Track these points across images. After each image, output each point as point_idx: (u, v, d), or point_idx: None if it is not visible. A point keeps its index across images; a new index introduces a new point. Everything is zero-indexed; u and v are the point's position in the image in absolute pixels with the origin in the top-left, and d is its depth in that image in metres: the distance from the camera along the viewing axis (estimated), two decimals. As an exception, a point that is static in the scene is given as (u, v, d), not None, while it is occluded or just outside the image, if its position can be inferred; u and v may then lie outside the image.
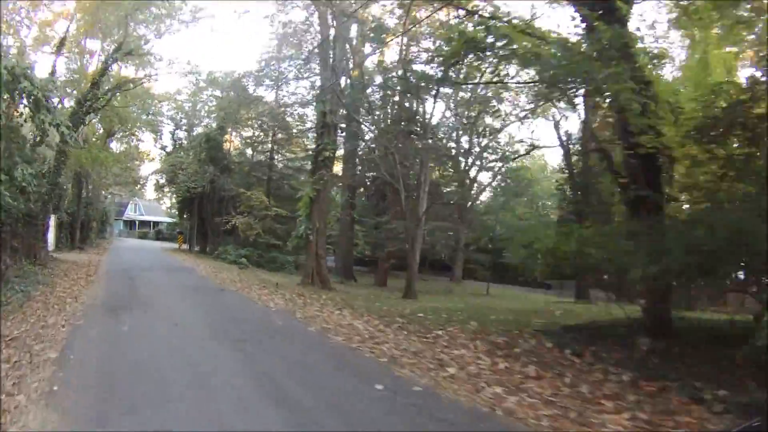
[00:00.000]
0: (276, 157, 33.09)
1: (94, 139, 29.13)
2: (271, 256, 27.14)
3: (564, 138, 23.32)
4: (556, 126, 23.34)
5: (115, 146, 43.92)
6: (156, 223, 60.38)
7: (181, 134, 34.48)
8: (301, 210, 16.58)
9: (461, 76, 11.02)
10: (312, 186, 15.83)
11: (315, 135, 17.86)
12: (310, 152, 37.71)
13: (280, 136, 32.66)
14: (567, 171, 23.22)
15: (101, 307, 8.47)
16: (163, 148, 34.91)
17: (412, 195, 17.86)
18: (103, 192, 45.29)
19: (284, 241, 28.25)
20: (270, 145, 32.39)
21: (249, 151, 34.22)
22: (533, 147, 22.32)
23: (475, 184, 28.17)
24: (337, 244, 27.59)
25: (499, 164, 24.33)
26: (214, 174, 28.49)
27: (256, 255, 26.28)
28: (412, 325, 8.32)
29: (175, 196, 46.16)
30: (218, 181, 28.60)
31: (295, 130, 32.59)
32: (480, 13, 7.94)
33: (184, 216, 50.01)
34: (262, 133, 32.85)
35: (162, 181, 31.38)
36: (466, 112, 21.93)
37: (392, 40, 17.04)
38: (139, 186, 51.96)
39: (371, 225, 23.09)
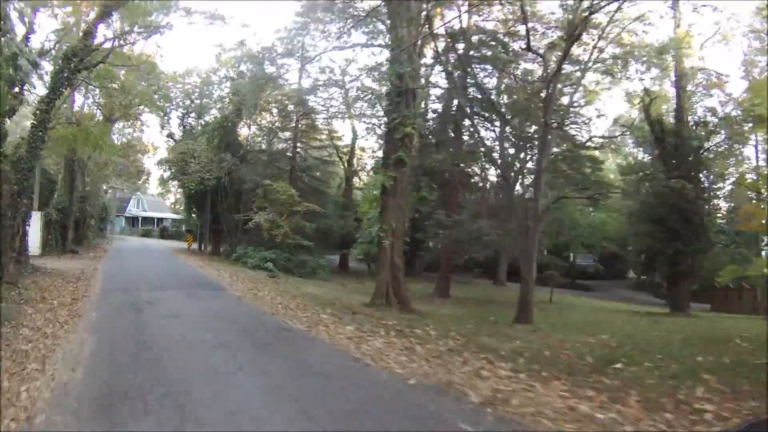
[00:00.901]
0: (298, 145, 28.78)
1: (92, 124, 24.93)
2: (299, 259, 22.87)
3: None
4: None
5: (117, 139, 40.16)
6: (160, 220, 56.21)
7: (192, 121, 30.15)
8: (364, 206, 12.42)
9: None
10: (387, 173, 11.56)
11: (387, 105, 13.55)
12: (334, 140, 33.77)
13: (304, 122, 28.39)
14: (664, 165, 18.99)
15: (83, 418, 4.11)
16: (170, 135, 30.61)
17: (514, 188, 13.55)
18: (104, 186, 41.13)
19: (315, 241, 24.21)
20: (293, 133, 28.08)
21: (263, 140, 29.84)
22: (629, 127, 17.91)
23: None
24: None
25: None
26: (232, 163, 24.17)
27: (283, 258, 22.00)
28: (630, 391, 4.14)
29: (182, 189, 42.05)
30: (237, 172, 24.28)
31: (321, 116, 28.40)
32: None
33: (192, 212, 45.91)
34: (282, 119, 28.57)
35: (168, 173, 27.11)
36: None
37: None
38: (143, 178, 47.82)
39: (441, 222, 18.57)
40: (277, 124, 28.15)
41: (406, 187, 12.80)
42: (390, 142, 12.36)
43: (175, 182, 45.72)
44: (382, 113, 29.11)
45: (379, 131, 26.60)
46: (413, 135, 12.79)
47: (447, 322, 10.01)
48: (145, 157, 54.28)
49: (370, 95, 27.73)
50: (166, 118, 28.70)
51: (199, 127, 28.44)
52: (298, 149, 28.34)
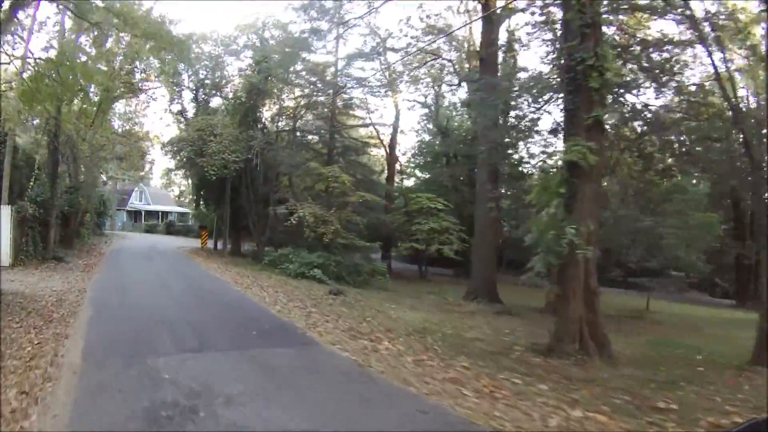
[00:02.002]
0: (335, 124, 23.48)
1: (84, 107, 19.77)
2: (352, 263, 17.79)
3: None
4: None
5: (117, 125, 35.14)
6: (165, 214, 51.13)
7: (206, 96, 24.83)
8: (536, 196, 7.38)
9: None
10: (581, 144, 6.49)
11: (561, 42, 8.33)
12: (371, 119, 28.61)
13: (343, 98, 23.09)
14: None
15: None
16: (180, 112, 25.35)
17: None
18: (102, 176, 35.93)
19: (367, 239, 19.08)
20: (329, 109, 22.77)
21: (291, 118, 24.47)
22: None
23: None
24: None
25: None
26: (264, 141, 18.98)
27: (332, 263, 16.95)
28: None
29: (192, 179, 36.89)
30: (269, 153, 19.10)
31: (361, 91, 23.13)
32: None
33: (203, 205, 40.71)
34: (314, 94, 23.23)
35: (179, 157, 21.86)
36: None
37: None
38: (147, 168, 42.80)
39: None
40: (309, 99, 22.83)
41: (601, 167, 7.68)
42: (575, 95, 7.19)
43: (181, 171, 40.69)
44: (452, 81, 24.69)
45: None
46: (611, 85, 7.66)
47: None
48: (149, 147, 49.50)
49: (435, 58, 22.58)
50: (176, 89, 23.43)
51: (218, 100, 23.19)
52: (336, 129, 23.06)
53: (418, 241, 19.80)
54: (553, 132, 10.77)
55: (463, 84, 22.65)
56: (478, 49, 18.45)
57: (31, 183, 15.02)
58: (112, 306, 8.80)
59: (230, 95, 23.83)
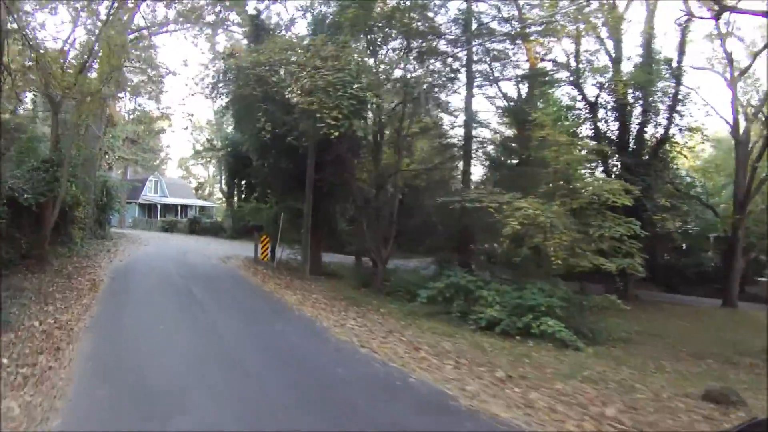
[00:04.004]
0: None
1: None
2: (576, 301, 8.67)
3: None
4: None
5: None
6: (184, 208, 42.51)
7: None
8: None
9: None
10: None
11: None
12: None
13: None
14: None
15: None
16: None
17: None
18: (107, 155, 27.19)
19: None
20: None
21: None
22: None
23: None
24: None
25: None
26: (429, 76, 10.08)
27: (559, 301, 7.79)
28: None
29: (229, 160, 28.13)
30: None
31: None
32: None
33: (234, 195, 31.97)
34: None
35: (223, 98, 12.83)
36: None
37: None
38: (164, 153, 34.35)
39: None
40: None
41: None
42: None
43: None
44: None
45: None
46: None
47: None
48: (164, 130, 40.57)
49: None
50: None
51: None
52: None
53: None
54: None
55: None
56: None
57: None
58: None
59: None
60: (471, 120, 15.42)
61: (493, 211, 9.45)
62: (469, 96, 15.32)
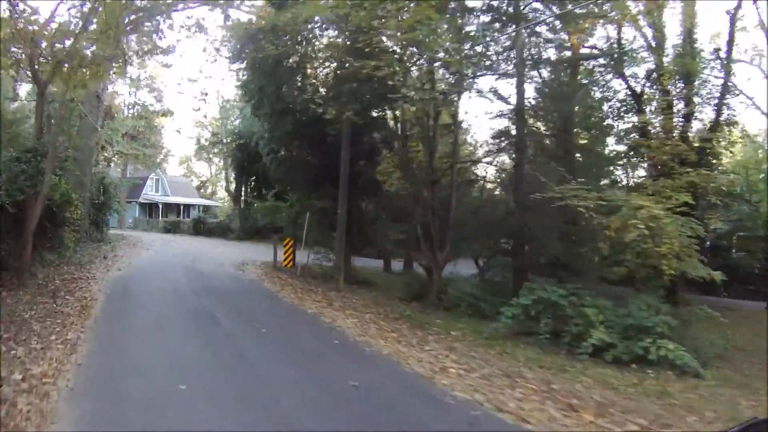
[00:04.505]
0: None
1: None
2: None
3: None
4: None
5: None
6: (186, 207, 40.40)
7: None
8: None
9: None
10: None
11: None
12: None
13: None
14: None
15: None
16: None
17: None
18: (105, 150, 25.05)
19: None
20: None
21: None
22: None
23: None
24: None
25: None
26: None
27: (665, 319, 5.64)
28: None
29: (237, 162, 26.14)
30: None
31: None
32: None
33: (241, 193, 29.85)
34: None
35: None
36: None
37: None
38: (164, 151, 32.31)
39: None
40: None
41: None
42: None
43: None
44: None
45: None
46: None
47: None
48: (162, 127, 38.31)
49: None
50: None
51: None
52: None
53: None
54: None
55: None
56: None
57: None
58: None
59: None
60: (522, 105, 13.31)
61: (584, 211, 7.46)
62: (520, 80, 13.21)
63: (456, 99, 10.49)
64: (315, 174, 13.14)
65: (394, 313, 8.85)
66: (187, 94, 50.15)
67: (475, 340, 7.14)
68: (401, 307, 9.57)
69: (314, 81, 12.08)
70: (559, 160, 14.07)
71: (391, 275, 15.37)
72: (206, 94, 27.63)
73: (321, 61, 11.63)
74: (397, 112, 12.09)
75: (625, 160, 13.35)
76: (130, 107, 34.14)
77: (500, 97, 13.15)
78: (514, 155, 13.31)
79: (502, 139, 13.47)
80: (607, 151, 14.25)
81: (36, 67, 10.29)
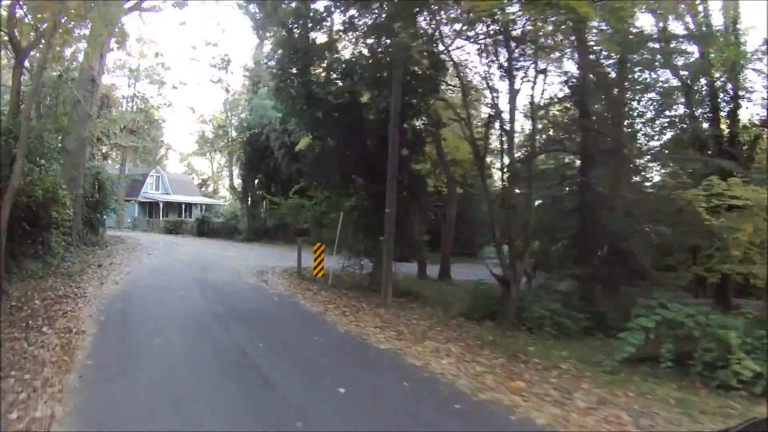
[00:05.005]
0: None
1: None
2: None
3: None
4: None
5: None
6: (188, 206, 38.23)
7: None
8: None
9: None
10: None
11: None
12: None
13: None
14: None
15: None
16: None
17: None
18: (101, 142, 22.85)
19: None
20: None
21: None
22: None
23: None
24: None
25: None
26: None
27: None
28: None
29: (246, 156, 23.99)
30: None
31: None
32: None
33: (249, 191, 27.71)
34: None
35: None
36: None
37: None
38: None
39: None
40: None
41: None
42: None
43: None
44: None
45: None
46: None
47: None
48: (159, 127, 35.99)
49: None
50: None
51: None
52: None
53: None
54: None
55: None
56: None
57: None
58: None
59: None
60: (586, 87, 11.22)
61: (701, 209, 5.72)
62: (583, 62, 11.12)
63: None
64: (348, 168, 11.10)
65: (469, 337, 6.85)
66: (203, 61, 47.78)
67: (594, 375, 5.19)
68: (474, 328, 7.53)
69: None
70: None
71: (431, 283, 13.32)
72: (229, 61, 24.91)
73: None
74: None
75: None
76: (129, 99, 32.02)
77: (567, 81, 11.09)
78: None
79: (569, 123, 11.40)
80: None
81: (14, 29, 8.19)
